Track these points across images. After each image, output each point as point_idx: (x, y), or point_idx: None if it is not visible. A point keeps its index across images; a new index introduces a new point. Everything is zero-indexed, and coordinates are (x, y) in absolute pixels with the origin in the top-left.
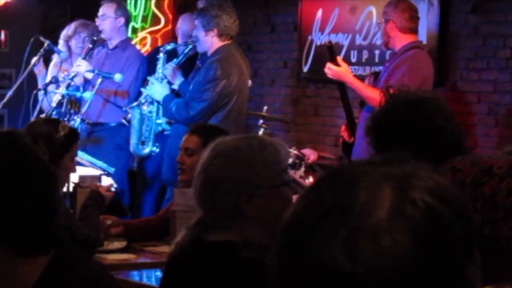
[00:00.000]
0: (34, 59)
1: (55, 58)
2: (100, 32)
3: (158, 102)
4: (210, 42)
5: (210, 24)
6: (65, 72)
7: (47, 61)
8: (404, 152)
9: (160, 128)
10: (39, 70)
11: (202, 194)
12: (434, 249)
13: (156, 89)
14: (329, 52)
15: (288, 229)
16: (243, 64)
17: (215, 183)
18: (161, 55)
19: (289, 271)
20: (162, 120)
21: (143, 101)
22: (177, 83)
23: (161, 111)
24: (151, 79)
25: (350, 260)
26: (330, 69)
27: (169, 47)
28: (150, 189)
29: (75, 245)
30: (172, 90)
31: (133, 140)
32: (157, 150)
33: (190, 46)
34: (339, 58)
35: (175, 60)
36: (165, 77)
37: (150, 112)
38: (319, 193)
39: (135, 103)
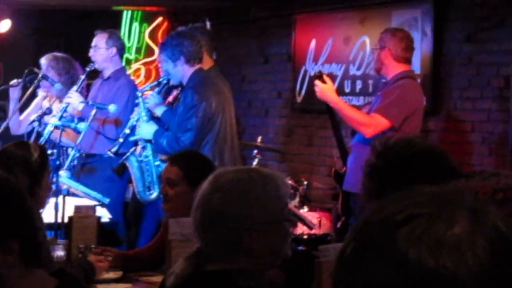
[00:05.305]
0: (13, 81)
1: (40, 92)
2: (93, 62)
3: (151, 142)
4: (182, 71)
5: (175, 54)
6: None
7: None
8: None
9: (160, 169)
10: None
11: (203, 227)
12: (505, 270)
13: (144, 129)
14: (319, 78)
15: (369, 225)
16: (222, 84)
17: (217, 217)
18: (140, 99)
19: (365, 264)
20: (159, 162)
21: (136, 148)
22: (159, 112)
23: (157, 154)
24: (138, 123)
25: (435, 262)
26: (316, 86)
27: (146, 88)
28: (147, 219)
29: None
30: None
31: (138, 188)
32: None
33: (165, 81)
34: (326, 76)
35: (156, 89)
36: (150, 114)
37: (146, 156)
38: (398, 202)
39: (128, 153)
